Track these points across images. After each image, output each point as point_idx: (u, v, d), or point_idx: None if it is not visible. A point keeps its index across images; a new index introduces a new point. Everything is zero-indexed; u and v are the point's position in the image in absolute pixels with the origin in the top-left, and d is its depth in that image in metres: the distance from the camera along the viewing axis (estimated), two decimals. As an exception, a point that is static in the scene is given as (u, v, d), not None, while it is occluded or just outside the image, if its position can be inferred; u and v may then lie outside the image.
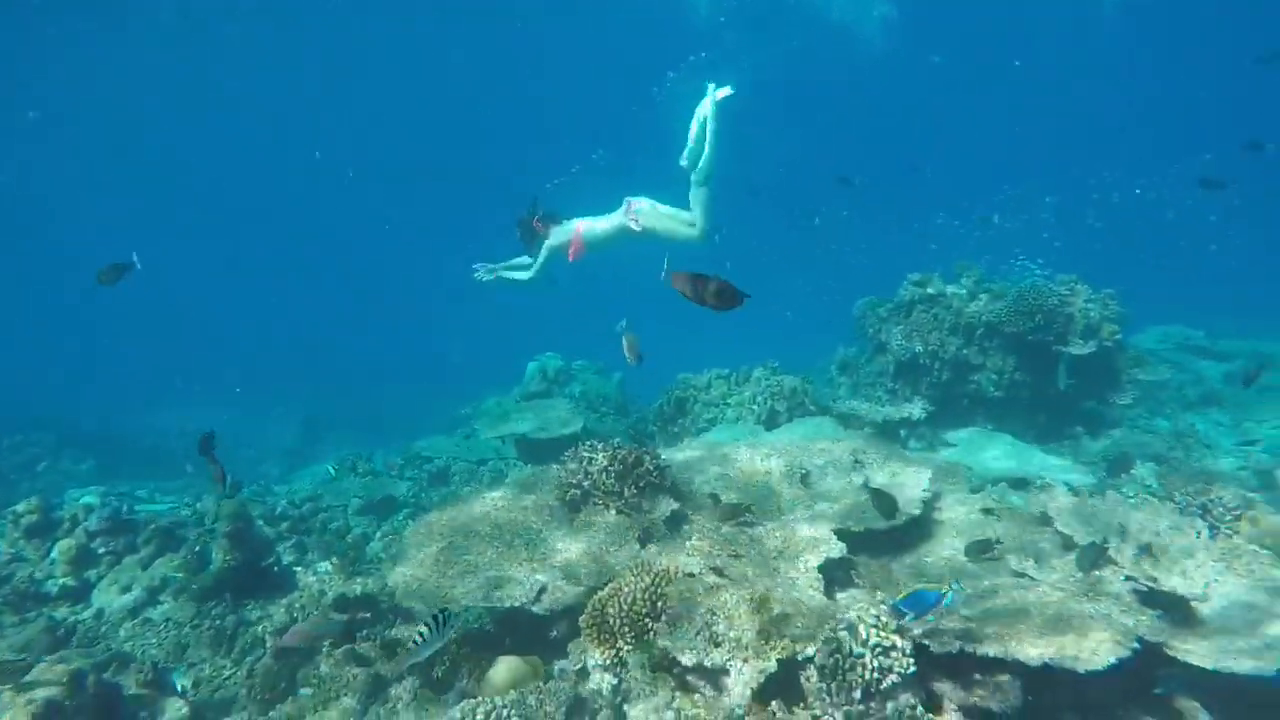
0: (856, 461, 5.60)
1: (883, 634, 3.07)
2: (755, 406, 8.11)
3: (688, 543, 4.32)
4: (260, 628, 5.39)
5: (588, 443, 5.02)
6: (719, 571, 3.94)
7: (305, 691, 4.23)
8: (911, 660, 3.05)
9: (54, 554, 6.09)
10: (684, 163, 6.25)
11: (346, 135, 34.77)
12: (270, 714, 4.08)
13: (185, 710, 4.04)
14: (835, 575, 4.18)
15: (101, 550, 6.18)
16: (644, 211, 6.28)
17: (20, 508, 6.22)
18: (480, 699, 3.59)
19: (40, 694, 3.65)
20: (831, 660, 3.11)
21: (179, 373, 22.75)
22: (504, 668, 3.93)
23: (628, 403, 11.25)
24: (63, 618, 5.71)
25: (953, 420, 8.53)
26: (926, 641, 3.16)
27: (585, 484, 4.69)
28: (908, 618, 3.02)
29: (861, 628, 3.13)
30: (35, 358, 28.34)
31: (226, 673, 4.82)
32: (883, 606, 3.23)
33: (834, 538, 4.33)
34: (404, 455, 11.06)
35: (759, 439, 5.99)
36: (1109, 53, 30.43)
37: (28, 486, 12.40)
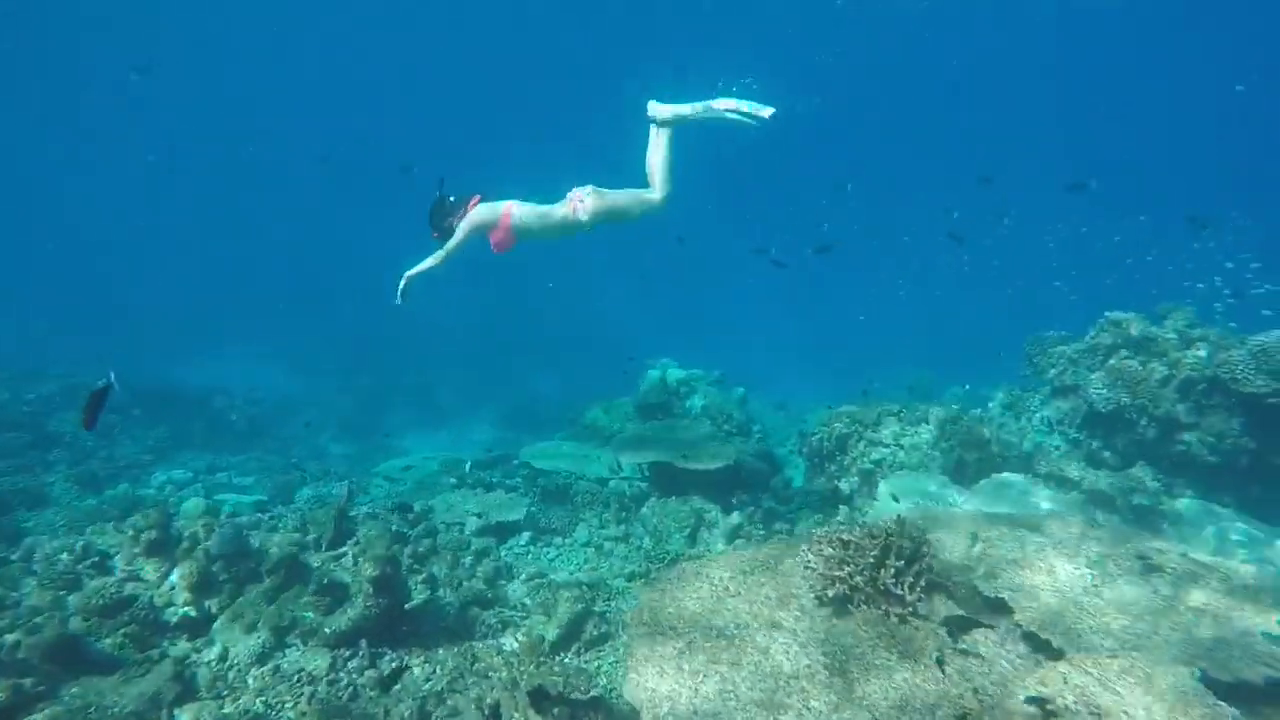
0: (1141, 558, 4.55)
1: None
2: (938, 454, 7.06)
3: (1021, 679, 3.34)
4: (408, 691, 4.58)
5: (837, 523, 4.08)
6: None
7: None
8: None
9: (173, 578, 5.33)
10: (656, 111, 5.25)
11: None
12: None
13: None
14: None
15: (223, 577, 5.41)
16: (590, 200, 5.26)
17: (139, 521, 5.46)
18: None
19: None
20: None
21: (223, 324, 21.75)
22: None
23: (749, 421, 10.28)
24: (184, 655, 4.95)
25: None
26: None
27: (856, 579, 3.72)
28: None
29: None
30: (67, 311, 27.02)
31: (389, 764, 3.98)
32: None
33: (1202, 691, 3.32)
34: (497, 458, 10.24)
35: (1029, 515, 4.94)
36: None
37: (106, 453, 11.85)
